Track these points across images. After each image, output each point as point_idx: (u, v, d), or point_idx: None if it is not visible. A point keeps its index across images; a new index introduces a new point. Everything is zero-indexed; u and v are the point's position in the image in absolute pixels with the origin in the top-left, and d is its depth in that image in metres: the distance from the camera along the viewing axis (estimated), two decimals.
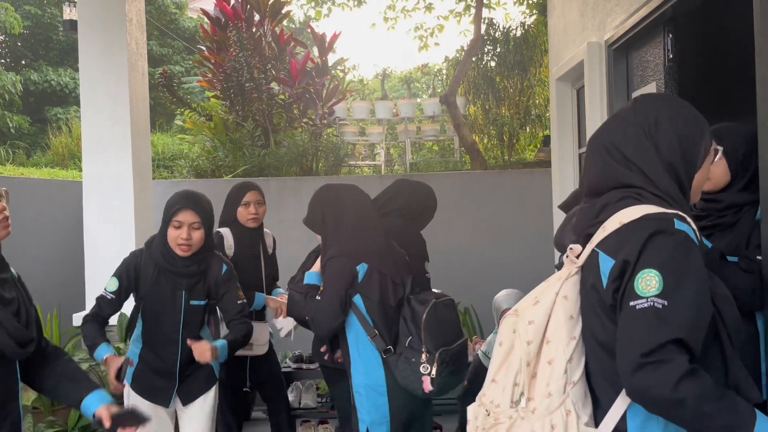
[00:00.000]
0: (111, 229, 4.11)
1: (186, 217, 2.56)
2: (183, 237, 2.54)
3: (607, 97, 3.33)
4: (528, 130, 8.09)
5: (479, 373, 2.94)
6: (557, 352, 1.33)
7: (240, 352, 3.03)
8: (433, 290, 2.66)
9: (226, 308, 2.74)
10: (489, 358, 2.48)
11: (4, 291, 1.75)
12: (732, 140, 2.15)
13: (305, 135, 7.00)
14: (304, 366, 3.83)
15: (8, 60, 18.94)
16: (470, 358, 3.16)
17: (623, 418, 1.31)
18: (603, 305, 1.33)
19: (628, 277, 1.28)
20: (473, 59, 7.69)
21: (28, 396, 4.08)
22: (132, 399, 2.66)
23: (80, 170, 11.05)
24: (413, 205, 2.93)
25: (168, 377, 2.68)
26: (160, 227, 2.64)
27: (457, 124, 6.96)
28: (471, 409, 1.46)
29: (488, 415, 1.38)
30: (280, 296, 3.42)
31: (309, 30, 9.31)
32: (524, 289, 1.87)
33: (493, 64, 8.06)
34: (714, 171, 2.12)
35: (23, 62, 18.77)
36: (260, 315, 3.39)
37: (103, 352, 2.50)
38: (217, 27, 7.48)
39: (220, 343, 2.59)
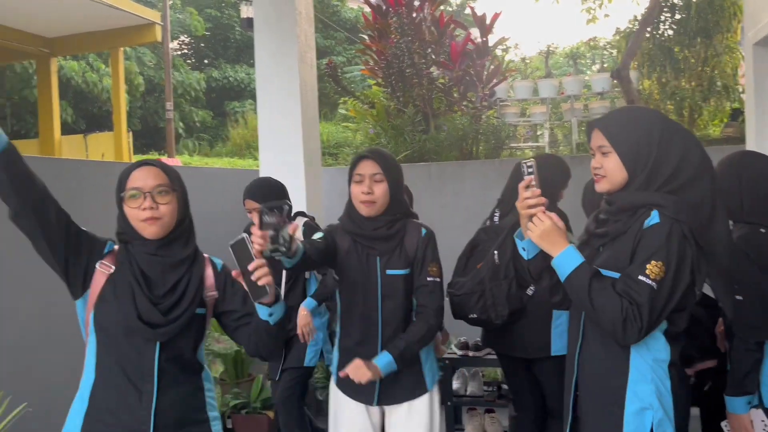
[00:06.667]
0: None
1: (365, 168, 2.26)
2: (364, 191, 2.24)
3: None
4: (712, 104, 7.32)
5: None
6: None
7: None
8: None
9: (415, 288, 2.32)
10: None
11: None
12: (621, 127, 1.73)
13: (465, 118, 6.90)
14: (470, 353, 3.77)
15: (193, 60, 20.86)
16: None
17: None
18: None
19: None
20: (648, 29, 7.08)
21: (216, 368, 4.45)
22: (337, 397, 2.40)
23: (255, 159, 11.91)
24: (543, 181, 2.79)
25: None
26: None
27: (631, 99, 6.47)
28: None
29: None
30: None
31: (469, 11, 9.16)
32: None
33: (670, 32, 7.38)
34: (606, 166, 1.74)
35: (206, 61, 20.57)
36: None
37: None
38: (379, 15, 7.60)
39: (383, 360, 2.16)
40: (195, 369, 1.81)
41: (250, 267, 1.61)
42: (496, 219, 2.92)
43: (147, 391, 1.70)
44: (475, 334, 4.06)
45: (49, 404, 3.15)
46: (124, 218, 1.75)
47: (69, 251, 1.71)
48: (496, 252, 2.74)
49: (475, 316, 2.79)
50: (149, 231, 1.73)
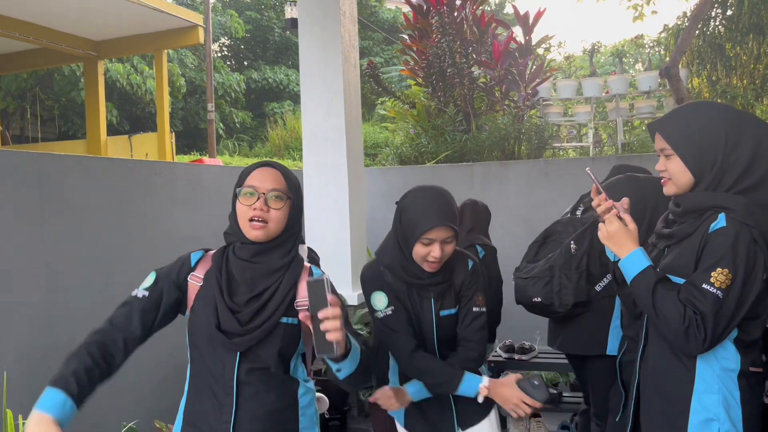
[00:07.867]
0: (328, 213, 4.32)
1: (438, 234, 2.03)
2: (436, 256, 2.05)
3: None
4: (765, 103, 7.09)
5: None
6: None
7: None
8: None
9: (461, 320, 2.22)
10: None
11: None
12: (681, 127, 1.66)
13: (507, 118, 6.81)
14: (516, 356, 3.70)
15: (233, 62, 21.14)
16: None
17: None
18: None
19: None
20: (698, 25, 6.89)
21: None
22: None
23: (294, 159, 11.99)
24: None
25: (443, 402, 2.22)
26: (395, 235, 2.15)
27: (680, 98, 6.28)
28: None
29: None
30: None
31: (512, 9, 9.05)
32: None
33: (721, 29, 7.16)
34: (670, 169, 1.69)
35: (245, 63, 20.83)
36: None
37: None
38: (420, 14, 7.55)
39: (413, 387, 2.12)
40: (285, 385, 1.71)
41: (321, 315, 1.43)
42: (578, 212, 2.91)
43: (227, 404, 1.65)
44: (520, 336, 3.99)
45: (98, 401, 3.21)
46: (234, 216, 1.73)
47: (168, 312, 1.73)
48: (573, 241, 2.71)
49: (539, 299, 2.77)
50: (253, 234, 1.68)
